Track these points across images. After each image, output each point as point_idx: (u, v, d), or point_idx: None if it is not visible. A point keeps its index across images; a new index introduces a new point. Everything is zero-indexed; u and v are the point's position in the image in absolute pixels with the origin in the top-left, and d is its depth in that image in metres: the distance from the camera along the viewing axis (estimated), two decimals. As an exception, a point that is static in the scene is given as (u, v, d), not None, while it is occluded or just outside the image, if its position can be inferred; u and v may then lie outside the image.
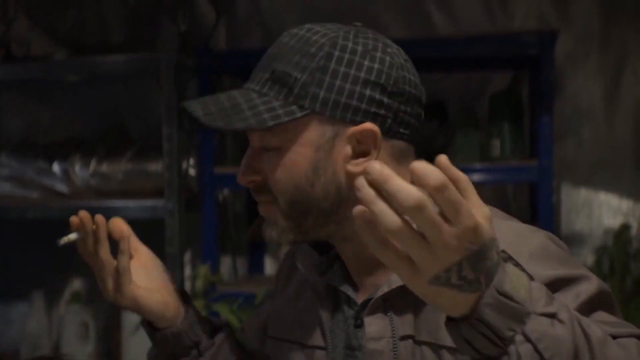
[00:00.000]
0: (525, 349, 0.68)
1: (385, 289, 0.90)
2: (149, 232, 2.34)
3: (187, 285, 2.15)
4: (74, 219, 0.99)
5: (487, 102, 2.22)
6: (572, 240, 2.31)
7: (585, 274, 0.87)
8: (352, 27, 0.93)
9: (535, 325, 0.68)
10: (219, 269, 2.19)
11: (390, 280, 0.90)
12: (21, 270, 2.56)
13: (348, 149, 0.89)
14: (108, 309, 2.40)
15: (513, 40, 2.09)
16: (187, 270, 2.19)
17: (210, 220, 2.16)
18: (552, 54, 2.03)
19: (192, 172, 2.21)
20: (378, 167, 0.63)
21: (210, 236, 2.16)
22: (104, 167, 2.27)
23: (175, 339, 1.03)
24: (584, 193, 2.33)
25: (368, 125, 0.89)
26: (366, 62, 0.89)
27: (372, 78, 0.89)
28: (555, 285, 0.83)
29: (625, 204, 2.30)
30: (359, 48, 0.90)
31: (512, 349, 0.68)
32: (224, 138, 2.32)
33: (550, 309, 0.69)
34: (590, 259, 2.26)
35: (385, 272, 0.92)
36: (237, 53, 2.27)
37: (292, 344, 1.01)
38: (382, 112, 0.89)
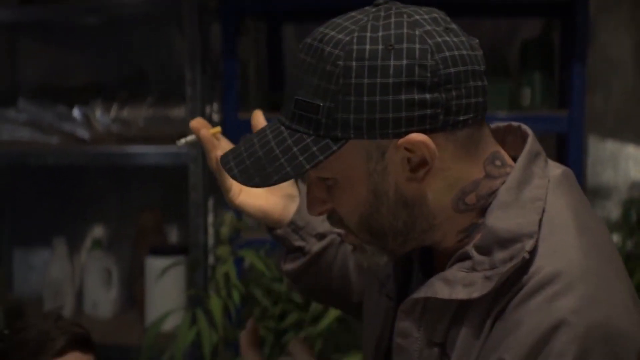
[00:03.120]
0: None
1: (422, 294, 0.85)
2: (172, 178, 2.35)
3: (211, 232, 2.14)
4: (193, 123, 1.03)
5: (518, 50, 2.17)
6: (598, 193, 2.29)
7: None
8: (371, 14, 0.81)
9: None
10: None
11: (436, 289, 0.83)
12: (42, 216, 2.54)
13: (403, 164, 0.81)
14: (130, 256, 2.39)
15: (546, -15, 2.04)
16: (211, 217, 2.17)
17: (234, 167, 2.12)
18: (586, 0, 1.98)
19: (215, 117, 2.18)
20: None
21: (234, 183, 2.12)
22: (125, 113, 2.23)
23: (278, 240, 1.11)
24: (610, 146, 2.29)
25: (413, 136, 0.78)
26: (391, 62, 0.77)
27: (404, 78, 0.77)
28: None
29: (652, 157, 2.27)
30: (379, 47, 0.78)
31: None
32: (247, 83, 2.28)
33: None
34: (615, 212, 2.23)
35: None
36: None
37: (377, 281, 0.99)
38: (428, 111, 0.78)
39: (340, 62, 0.78)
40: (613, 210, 2.26)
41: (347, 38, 0.79)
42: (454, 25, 0.83)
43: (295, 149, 0.80)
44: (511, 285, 0.79)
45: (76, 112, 2.27)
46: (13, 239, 2.59)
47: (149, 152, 2.15)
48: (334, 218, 0.87)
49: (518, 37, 2.26)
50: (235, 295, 1.87)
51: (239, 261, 1.99)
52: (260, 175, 0.81)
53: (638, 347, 0.77)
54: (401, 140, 0.79)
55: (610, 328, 0.76)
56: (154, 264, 2.15)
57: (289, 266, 1.12)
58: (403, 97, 0.77)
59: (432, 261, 0.92)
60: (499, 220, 0.81)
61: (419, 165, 0.81)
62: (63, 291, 2.35)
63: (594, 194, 2.28)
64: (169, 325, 1.98)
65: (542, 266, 0.78)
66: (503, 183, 0.84)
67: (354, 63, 0.78)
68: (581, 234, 0.81)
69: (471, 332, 0.82)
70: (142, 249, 2.26)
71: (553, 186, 0.85)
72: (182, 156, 2.10)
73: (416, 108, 0.78)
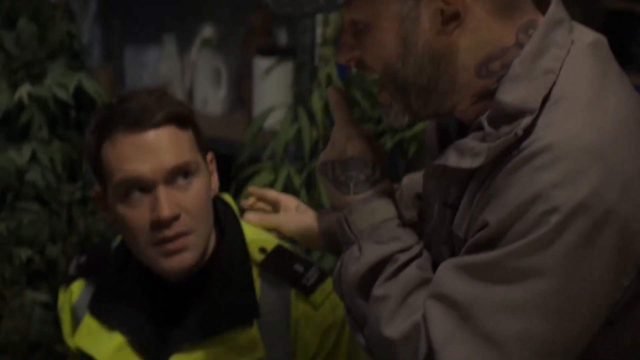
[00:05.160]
0: (338, 265, 0.91)
1: (438, 161, 0.88)
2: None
3: (319, 33, 2.11)
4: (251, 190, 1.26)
5: None
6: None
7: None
8: None
9: (348, 254, 0.90)
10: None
11: (447, 157, 0.87)
12: (152, 13, 2.56)
13: (436, 16, 0.81)
14: (240, 56, 2.41)
15: None
16: (319, 17, 2.13)
17: None
18: None
19: None
20: None
21: None
22: None
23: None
24: None
25: None
26: None
27: None
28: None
29: None
30: None
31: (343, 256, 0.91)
32: None
33: (367, 244, 0.88)
34: None
35: None
36: None
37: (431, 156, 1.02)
38: None
39: None
40: None
41: None
42: None
43: None
44: (507, 156, 0.82)
45: None
46: (124, 35, 2.63)
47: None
48: (361, 66, 0.89)
49: None
50: (337, 95, 1.87)
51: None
52: (292, 4, 0.84)
53: (621, 224, 0.78)
54: None
55: (593, 205, 0.77)
56: (262, 64, 2.19)
57: None
58: None
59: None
60: (507, 93, 0.82)
61: (451, 18, 0.81)
62: (173, 88, 2.41)
63: None
64: (273, 121, 2.03)
65: (537, 139, 0.80)
66: None
67: None
68: (590, 109, 0.81)
69: (469, 197, 0.86)
70: (251, 49, 2.28)
71: (575, 55, 0.84)
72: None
73: None
